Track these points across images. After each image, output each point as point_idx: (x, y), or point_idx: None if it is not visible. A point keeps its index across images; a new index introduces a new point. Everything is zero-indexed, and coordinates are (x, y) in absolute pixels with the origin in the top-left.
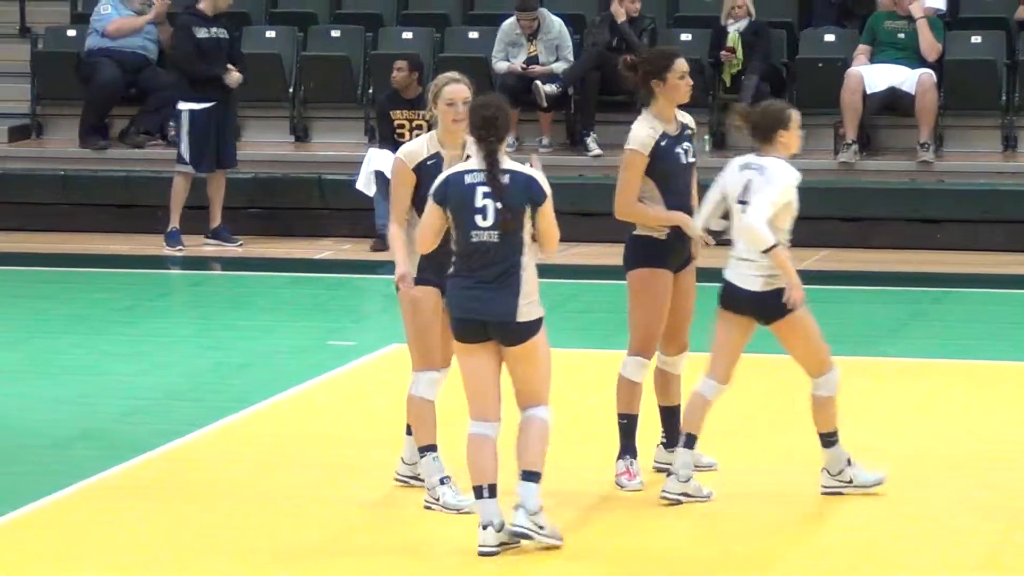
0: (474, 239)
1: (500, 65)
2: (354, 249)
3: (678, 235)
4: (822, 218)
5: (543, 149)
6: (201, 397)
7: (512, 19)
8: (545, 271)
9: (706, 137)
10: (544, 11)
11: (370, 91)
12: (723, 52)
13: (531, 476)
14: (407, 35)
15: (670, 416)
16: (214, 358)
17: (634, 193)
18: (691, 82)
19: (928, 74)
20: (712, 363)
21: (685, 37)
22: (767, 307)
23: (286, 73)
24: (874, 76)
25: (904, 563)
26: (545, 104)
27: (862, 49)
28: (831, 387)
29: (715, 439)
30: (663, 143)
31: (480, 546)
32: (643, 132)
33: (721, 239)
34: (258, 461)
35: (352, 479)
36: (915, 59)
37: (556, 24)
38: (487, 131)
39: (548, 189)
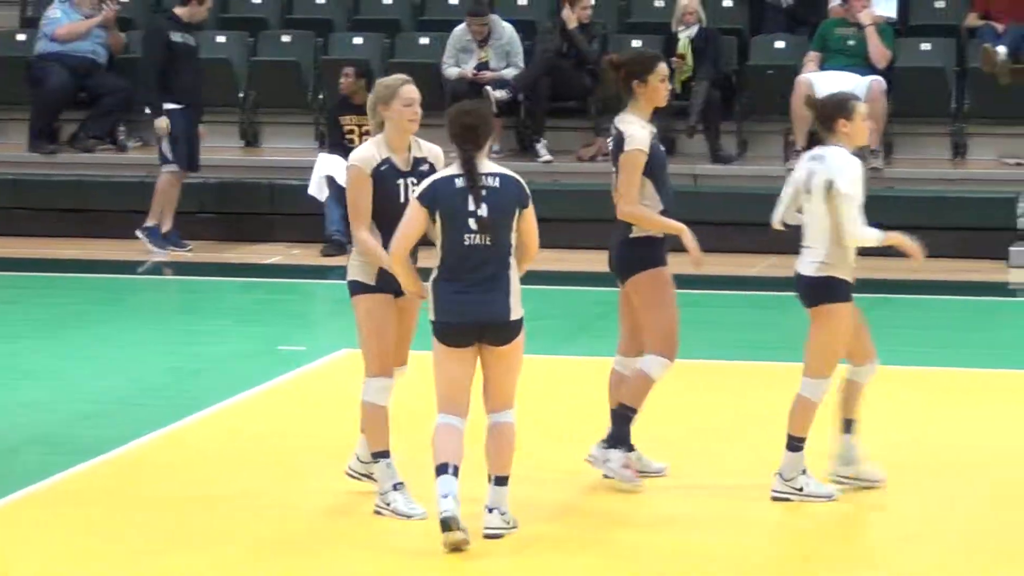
0: (466, 243)
1: (451, 71)
2: (304, 254)
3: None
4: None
5: (493, 155)
6: (153, 401)
7: (463, 25)
8: None
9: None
10: (495, 17)
11: (320, 96)
12: (673, 59)
13: (503, 481)
14: (358, 40)
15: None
16: (166, 363)
17: (639, 193)
18: (669, 86)
19: (878, 81)
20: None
21: (636, 43)
22: (813, 292)
23: (236, 78)
24: (824, 83)
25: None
26: (495, 110)
27: (812, 56)
28: (818, 394)
29: (712, 443)
30: (653, 142)
31: (443, 512)
32: (641, 132)
33: None
34: (209, 466)
35: (303, 482)
36: (865, 66)
37: (507, 30)
38: (465, 139)
39: (529, 193)
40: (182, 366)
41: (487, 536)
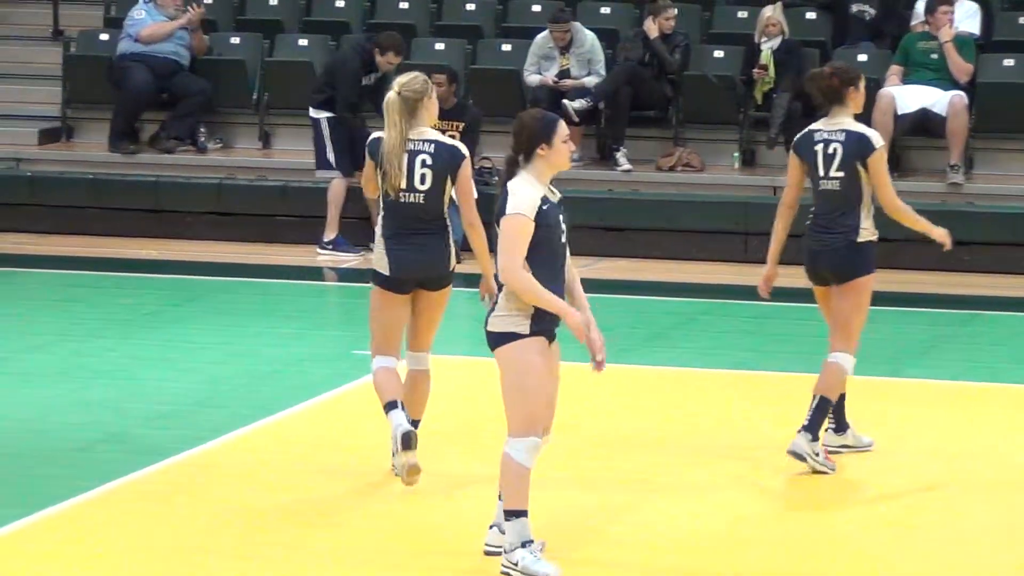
0: None
1: (532, 78)
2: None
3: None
4: None
5: (573, 163)
6: (225, 404)
7: (545, 32)
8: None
9: (735, 155)
10: (577, 25)
11: None
12: (755, 70)
13: (507, 515)
14: (439, 46)
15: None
16: (240, 365)
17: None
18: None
19: (959, 96)
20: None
21: (718, 54)
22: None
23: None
24: (906, 97)
25: None
26: (576, 119)
27: (894, 69)
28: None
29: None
30: None
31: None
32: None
33: None
34: (282, 469)
35: (376, 489)
36: (948, 80)
37: (589, 38)
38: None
39: (513, 207)
40: (256, 368)
41: (486, 554)
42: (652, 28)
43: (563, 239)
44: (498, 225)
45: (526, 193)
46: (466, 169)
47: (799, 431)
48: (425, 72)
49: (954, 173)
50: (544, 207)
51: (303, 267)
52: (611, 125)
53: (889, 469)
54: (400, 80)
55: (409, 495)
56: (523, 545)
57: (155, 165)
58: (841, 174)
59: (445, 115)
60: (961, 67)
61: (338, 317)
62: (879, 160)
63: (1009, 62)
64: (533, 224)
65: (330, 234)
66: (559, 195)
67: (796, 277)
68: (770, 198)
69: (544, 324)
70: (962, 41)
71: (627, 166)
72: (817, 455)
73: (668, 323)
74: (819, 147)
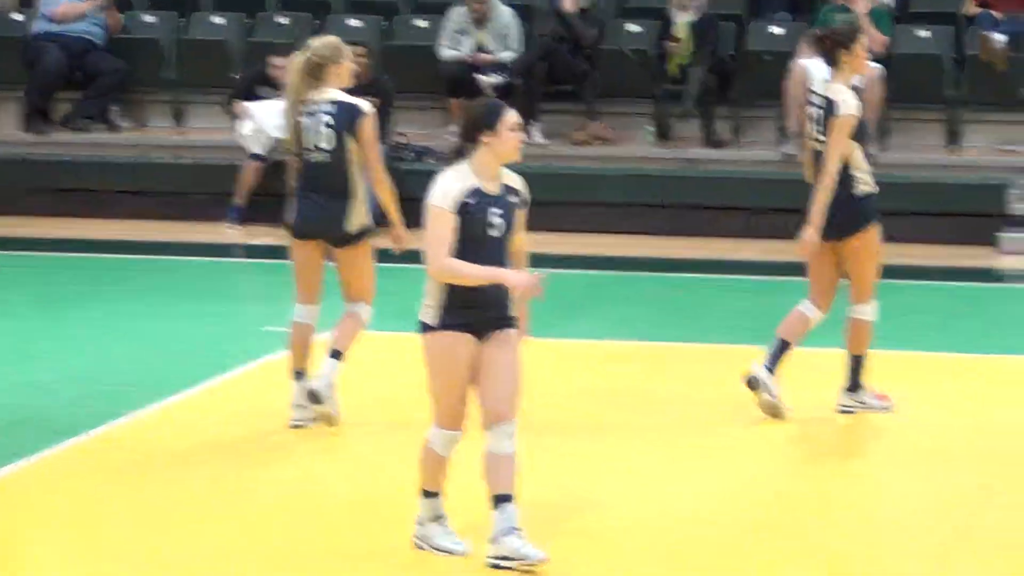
0: None
1: (447, 54)
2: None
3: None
4: (766, 209)
5: None
6: (139, 381)
7: (460, 7)
8: None
9: (650, 128)
10: (494, 0)
11: None
12: (670, 43)
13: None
14: (354, 23)
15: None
16: (152, 342)
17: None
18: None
19: (874, 67)
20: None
21: (633, 28)
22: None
23: (231, 59)
24: (819, 69)
25: (859, 557)
26: (491, 94)
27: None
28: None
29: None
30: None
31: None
32: (852, 98)
33: None
34: (194, 445)
35: (289, 462)
36: None
37: (504, 13)
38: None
39: (433, 196)
40: (168, 346)
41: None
42: (567, 3)
43: (493, 233)
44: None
45: (447, 184)
46: (366, 125)
47: (841, 391)
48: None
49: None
50: (470, 200)
51: (217, 244)
52: (526, 100)
53: (797, 436)
54: (312, 43)
55: (317, 470)
56: (436, 520)
57: (69, 144)
58: (821, 137)
59: (360, 91)
60: (876, 38)
61: (250, 294)
62: (833, 126)
63: (925, 33)
64: (453, 215)
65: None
66: (509, 188)
67: (709, 249)
68: (685, 171)
69: (461, 318)
70: (878, 13)
71: (542, 140)
72: (864, 403)
73: (583, 296)
74: (811, 109)
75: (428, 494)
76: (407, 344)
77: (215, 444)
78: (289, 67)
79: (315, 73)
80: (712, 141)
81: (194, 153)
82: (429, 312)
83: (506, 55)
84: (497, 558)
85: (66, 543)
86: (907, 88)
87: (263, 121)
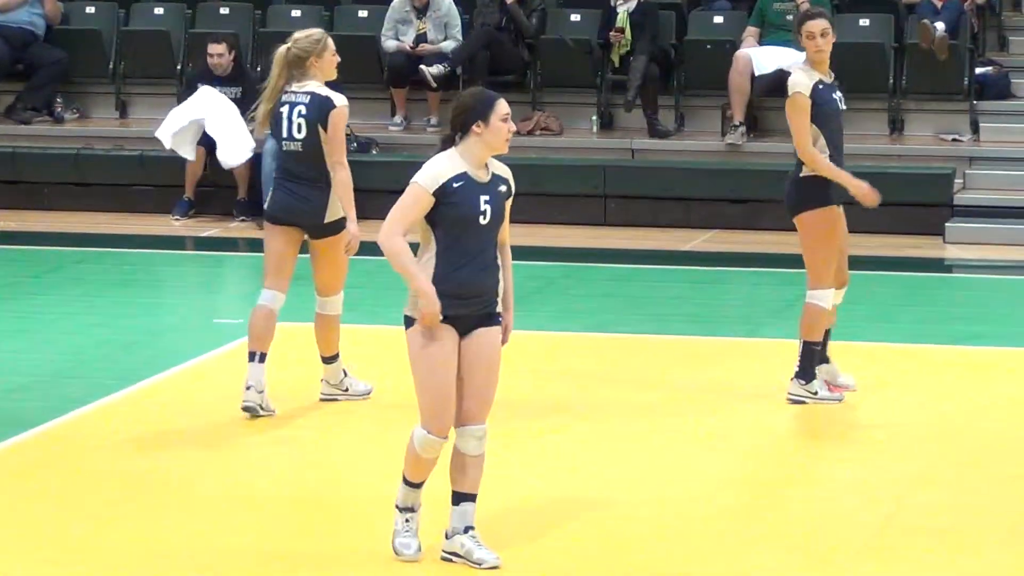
0: None
1: (389, 44)
2: (239, 227)
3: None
4: (709, 199)
5: (431, 129)
6: (86, 374)
7: None
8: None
9: (593, 118)
10: None
11: (258, 69)
12: (612, 33)
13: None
14: (296, 13)
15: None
16: (99, 335)
17: (810, 135)
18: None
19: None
20: None
21: (574, 17)
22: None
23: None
24: (762, 58)
25: (792, 544)
26: (433, 84)
27: (751, 31)
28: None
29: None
30: (820, 87)
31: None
32: (803, 77)
33: None
34: (144, 439)
35: (238, 455)
36: None
37: (445, 2)
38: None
39: (417, 175)
40: (115, 339)
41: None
42: None
43: (483, 221)
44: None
45: (435, 165)
46: (335, 117)
47: (791, 379)
48: (281, 39)
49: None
50: (456, 184)
51: (161, 236)
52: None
53: (747, 427)
54: (295, 35)
55: (268, 462)
56: (401, 510)
57: (11, 136)
58: None
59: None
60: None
61: (198, 286)
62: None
63: (865, 22)
64: (430, 197)
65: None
66: (499, 177)
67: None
68: (628, 161)
69: (445, 310)
70: (817, 2)
71: None
72: (816, 393)
73: (527, 288)
74: None
75: (407, 483)
76: (363, 336)
77: (162, 437)
78: (273, 58)
79: (296, 65)
80: (655, 131)
81: (137, 144)
82: (411, 303)
83: (447, 44)
84: (450, 553)
85: (12, 537)
86: (848, 77)
87: (172, 128)
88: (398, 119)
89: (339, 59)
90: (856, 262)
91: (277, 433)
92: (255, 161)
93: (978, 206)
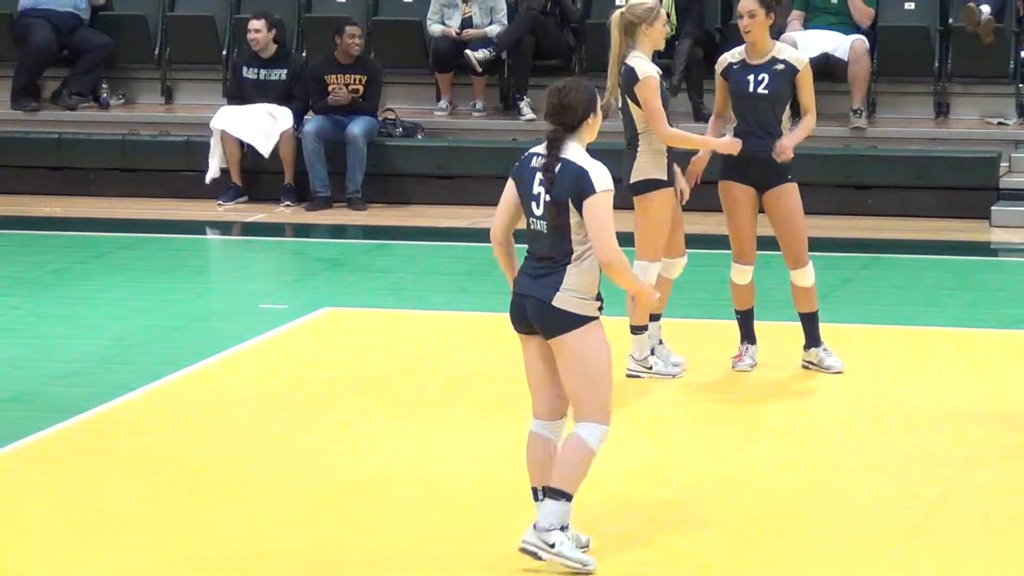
0: (531, 225)
1: (434, 28)
2: (285, 212)
3: (751, 152)
4: None
5: (476, 113)
6: (133, 360)
7: None
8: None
9: None
10: None
11: (304, 53)
12: None
13: (551, 492)
14: None
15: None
16: (145, 321)
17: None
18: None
19: (861, 40)
20: None
21: (619, 1)
22: None
23: (219, 36)
24: (807, 42)
25: (838, 529)
26: (479, 69)
27: (795, 15)
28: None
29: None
30: (736, 66)
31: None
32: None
33: None
34: (190, 425)
35: (285, 440)
36: (849, 25)
37: None
38: (552, 118)
39: (601, 184)
40: (162, 324)
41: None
42: None
43: None
44: (576, 207)
45: (602, 166)
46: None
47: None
48: (326, 24)
49: (856, 117)
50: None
51: (208, 222)
52: (514, 75)
53: (791, 410)
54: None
55: (315, 452)
56: (562, 528)
57: (57, 122)
58: None
59: (346, 69)
60: (862, 11)
61: (244, 271)
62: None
63: (910, 5)
64: None
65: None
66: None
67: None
68: None
69: (600, 308)
70: None
71: (531, 115)
72: (650, 368)
73: None
74: None
75: (565, 496)
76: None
77: (209, 423)
78: (609, 24)
79: (629, 32)
80: (701, 115)
81: (183, 130)
82: (586, 305)
83: (492, 28)
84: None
85: (61, 523)
86: (894, 61)
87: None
88: (443, 104)
89: (669, 29)
90: (902, 246)
91: (324, 419)
92: (299, 146)
93: (1023, 190)
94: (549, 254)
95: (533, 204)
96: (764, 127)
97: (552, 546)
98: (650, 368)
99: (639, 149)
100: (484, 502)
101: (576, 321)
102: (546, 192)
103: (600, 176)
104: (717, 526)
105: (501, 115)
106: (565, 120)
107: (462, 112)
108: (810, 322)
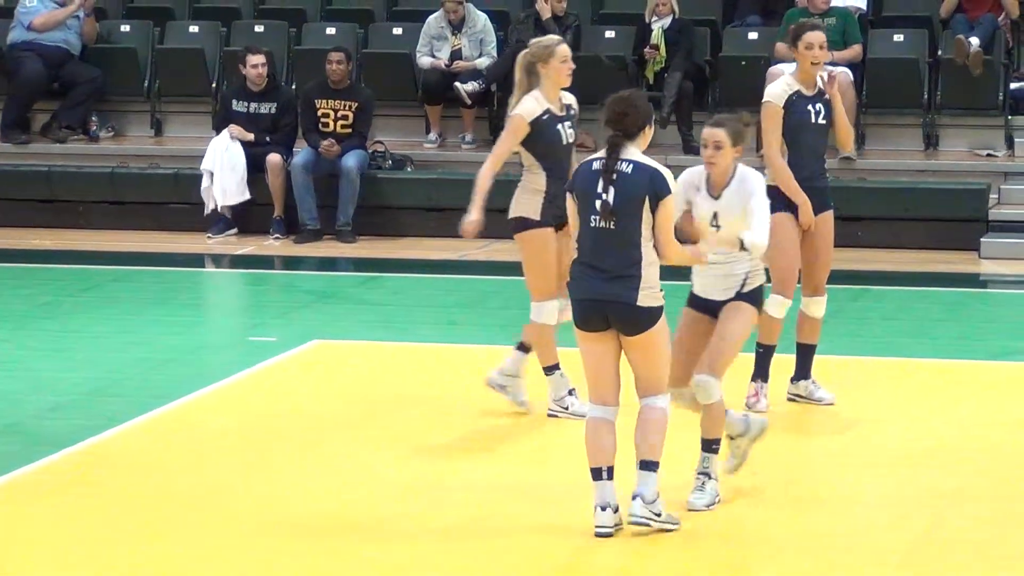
0: (592, 225)
1: (424, 60)
2: (275, 245)
3: (809, 179)
4: None
5: (466, 146)
6: (123, 393)
7: (437, 13)
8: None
9: None
10: (470, 6)
11: (292, 85)
12: (647, 49)
13: (647, 465)
14: (331, 30)
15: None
16: (136, 354)
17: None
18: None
19: (844, 73)
20: None
21: (609, 34)
22: None
23: (209, 67)
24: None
25: (827, 560)
26: (468, 101)
27: (780, 47)
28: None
29: None
30: (795, 97)
31: (597, 527)
32: (778, 87)
33: None
34: (178, 458)
35: (275, 474)
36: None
37: (481, 19)
38: (614, 124)
39: (673, 186)
40: (152, 357)
41: (632, 523)
42: (544, 9)
43: None
44: (653, 210)
45: (664, 169)
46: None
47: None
48: (316, 56)
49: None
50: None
51: (197, 254)
52: (503, 107)
53: (778, 446)
54: (532, 40)
55: (305, 485)
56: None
57: (47, 154)
58: None
59: (339, 94)
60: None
61: (233, 304)
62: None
63: (899, 38)
64: None
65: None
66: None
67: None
68: None
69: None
70: (846, 17)
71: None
72: (566, 408)
73: None
74: None
75: (657, 465)
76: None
77: (199, 456)
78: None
79: (530, 71)
80: (690, 147)
81: (172, 163)
82: (659, 294)
83: (482, 61)
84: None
85: (48, 556)
86: (883, 93)
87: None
88: (433, 136)
89: (572, 67)
90: (892, 278)
91: (314, 452)
92: (289, 179)
93: (1013, 221)
94: (617, 254)
95: (597, 203)
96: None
97: (659, 515)
98: (566, 408)
99: (519, 186)
100: (474, 539)
101: (656, 315)
102: (612, 191)
103: (671, 179)
104: (704, 558)
105: (490, 147)
106: (626, 126)
107: (451, 144)
108: (808, 354)
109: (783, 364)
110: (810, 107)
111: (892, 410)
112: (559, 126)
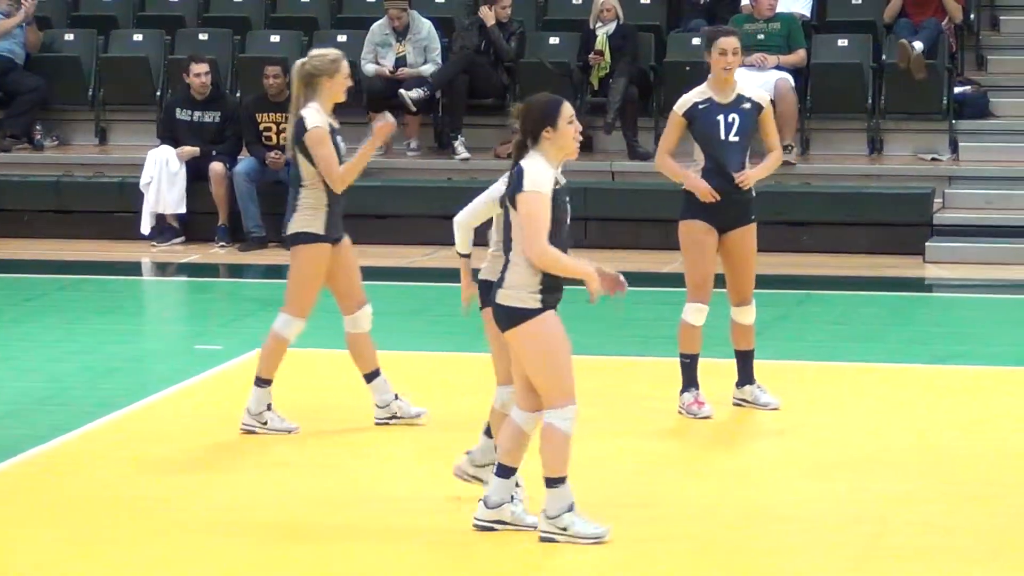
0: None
1: (368, 68)
2: (220, 253)
3: (724, 192)
4: None
5: (411, 153)
6: (69, 401)
7: (382, 20)
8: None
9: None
10: (415, 13)
11: (237, 94)
12: (591, 55)
13: (547, 483)
14: (275, 38)
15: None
16: (81, 362)
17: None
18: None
19: (784, 79)
20: None
21: (553, 40)
22: None
23: (153, 76)
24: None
25: (775, 569)
26: (413, 108)
27: None
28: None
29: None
30: (702, 106)
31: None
32: (689, 94)
33: None
34: (126, 466)
35: (221, 481)
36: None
37: (425, 25)
38: (520, 126)
39: (528, 184)
40: (97, 366)
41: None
42: (488, 15)
43: (568, 222)
44: (511, 205)
45: (541, 171)
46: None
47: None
48: (261, 64)
49: (787, 154)
50: (556, 187)
51: (142, 263)
52: (449, 114)
53: (723, 453)
54: (311, 51)
55: (252, 491)
56: (569, 509)
57: None
58: None
59: (278, 107)
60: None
61: (179, 312)
62: None
63: (843, 42)
64: (551, 201)
65: None
66: (564, 182)
67: (632, 262)
68: (608, 183)
69: (552, 301)
70: (791, 22)
71: (465, 154)
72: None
73: None
74: None
75: (557, 481)
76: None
77: (145, 463)
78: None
79: (308, 82)
80: (635, 153)
81: (117, 171)
82: (529, 298)
83: (427, 68)
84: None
85: None
86: (827, 98)
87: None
88: (414, 144)
89: (351, 84)
90: (837, 283)
91: (260, 458)
92: (231, 186)
93: (957, 225)
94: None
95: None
96: (735, 167)
97: (566, 529)
98: (265, 423)
99: (299, 202)
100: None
101: (515, 317)
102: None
103: (533, 175)
104: (650, 568)
105: (436, 154)
106: (523, 128)
107: (397, 151)
108: (747, 359)
109: (726, 369)
110: (720, 117)
111: (837, 415)
112: (339, 138)
